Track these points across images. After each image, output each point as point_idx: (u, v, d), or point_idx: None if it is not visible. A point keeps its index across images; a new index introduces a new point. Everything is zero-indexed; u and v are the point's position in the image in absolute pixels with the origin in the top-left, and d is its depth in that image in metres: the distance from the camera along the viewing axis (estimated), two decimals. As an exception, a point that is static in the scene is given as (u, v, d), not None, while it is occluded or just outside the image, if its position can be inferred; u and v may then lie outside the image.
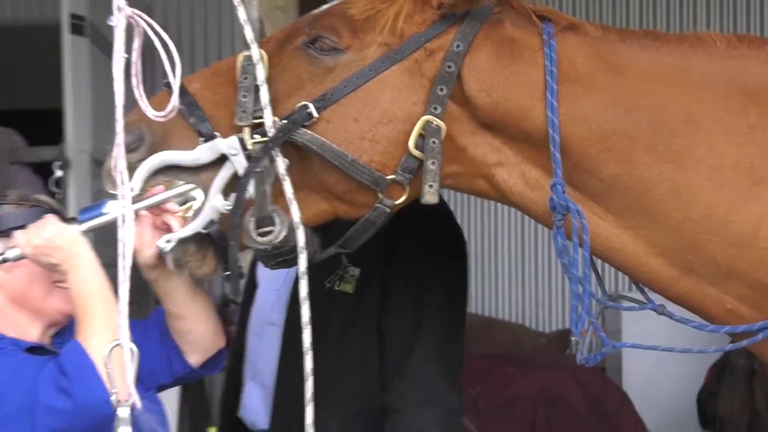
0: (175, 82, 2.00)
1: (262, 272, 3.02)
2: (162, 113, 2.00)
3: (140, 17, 1.94)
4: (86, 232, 2.47)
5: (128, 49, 1.94)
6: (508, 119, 2.39)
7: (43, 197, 2.78)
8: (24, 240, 2.49)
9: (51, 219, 2.51)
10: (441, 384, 2.83)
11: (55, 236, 2.47)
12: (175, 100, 1.99)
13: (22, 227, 2.56)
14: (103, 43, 6.07)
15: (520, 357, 7.77)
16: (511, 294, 9.01)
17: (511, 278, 8.95)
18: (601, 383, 7.12)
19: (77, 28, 5.86)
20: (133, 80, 1.93)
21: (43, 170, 5.76)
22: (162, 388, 2.82)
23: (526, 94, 2.38)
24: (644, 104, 2.39)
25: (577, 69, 2.39)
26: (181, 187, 2.35)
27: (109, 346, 2.18)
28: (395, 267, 2.86)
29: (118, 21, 1.90)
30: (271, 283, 2.97)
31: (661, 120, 2.38)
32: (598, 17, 8.65)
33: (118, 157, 2.00)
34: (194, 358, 2.72)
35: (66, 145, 5.72)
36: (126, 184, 2.08)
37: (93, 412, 2.43)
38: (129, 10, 1.90)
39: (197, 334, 2.69)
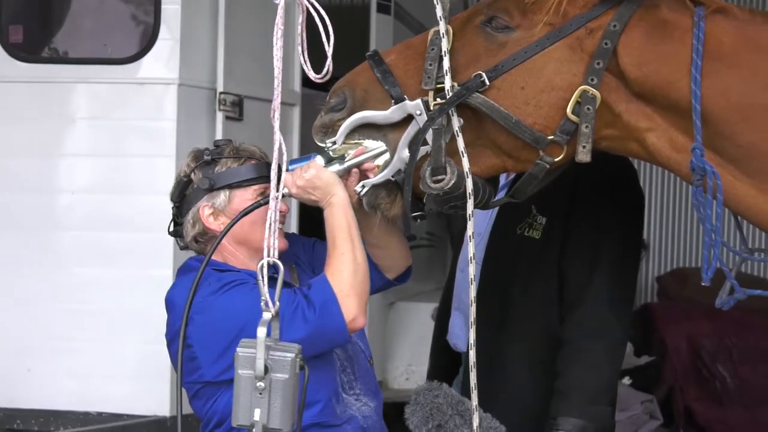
0: (329, 50, 2.37)
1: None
2: (319, 76, 2.38)
3: None
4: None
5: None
6: (657, 90, 2.60)
7: (252, 147, 3.08)
8: (290, 181, 2.80)
9: (314, 162, 2.79)
10: (610, 317, 3.10)
11: (315, 177, 2.76)
12: (328, 66, 2.36)
13: (246, 181, 2.95)
14: (405, 19, 6.57)
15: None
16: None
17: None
18: None
19: (383, 8, 6.38)
20: (298, 49, 2.31)
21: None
22: None
23: (673, 68, 2.58)
24: None
25: (722, 47, 2.57)
26: (376, 150, 2.70)
27: None
28: (577, 217, 3.14)
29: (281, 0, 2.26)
30: (475, 226, 3.30)
31: None
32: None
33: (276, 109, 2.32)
34: (389, 274, 3.12)
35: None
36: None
37: (330, 337, 2.77)
38: None
39: (391, 258, 3.08)
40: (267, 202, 2.78)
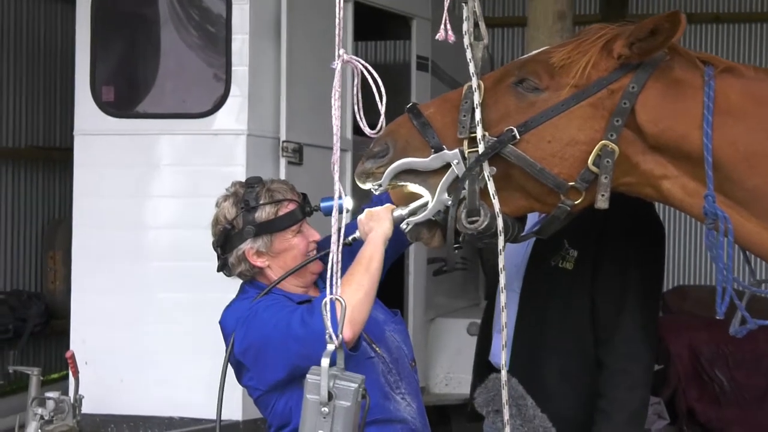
0: (382, 107, 2.23)
1: (507, 251, 3.20)
2: (374, 131, 2.24)
3: (357, 61, 2.18)
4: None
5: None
6: (672, 143, 2.45)
7: (283, 186, 2.98)
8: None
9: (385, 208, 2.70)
10: (642, 344, 2.94)
11: (373, 214, 2.71)
12: (382, 121, 2.23)
13: (285, 227, 2.88)
14: (441, 75, 6.44)
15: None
16: None
17: None
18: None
19: (422, 66, 6.25)
20: (355, 108, 2.17)
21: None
22: None
23: (687, 123, 2.43)
24: None
25: (730, 103, 2.42)
26: (421, 200, 2.59)
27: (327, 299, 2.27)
28: (606, 249, 2.97)
29: (338, 64, 2.12)
30: (512, 258, 3.09)
31: None
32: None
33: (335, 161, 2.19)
34: None
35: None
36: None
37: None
38: (346, 57, 2.13)
39: None
40: (314, 259, 2.87)
